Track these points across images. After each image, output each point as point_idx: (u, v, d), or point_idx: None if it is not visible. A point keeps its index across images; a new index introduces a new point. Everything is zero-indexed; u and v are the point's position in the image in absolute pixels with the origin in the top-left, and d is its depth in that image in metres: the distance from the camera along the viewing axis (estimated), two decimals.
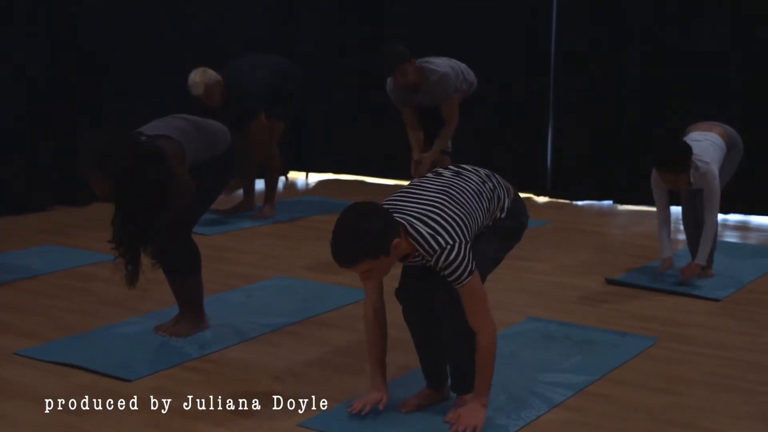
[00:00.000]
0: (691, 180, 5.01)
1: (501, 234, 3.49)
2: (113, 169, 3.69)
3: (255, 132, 6.65)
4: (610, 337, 4.38)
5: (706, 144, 5.11)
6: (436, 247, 3.11)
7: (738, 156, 5.40)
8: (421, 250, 3.14)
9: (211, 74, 6.46)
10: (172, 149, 3.92)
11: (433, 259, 3.14)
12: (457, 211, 3.20)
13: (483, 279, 3.33)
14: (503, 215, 3.45)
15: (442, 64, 6.09)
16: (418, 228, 3.12)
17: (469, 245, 3.16)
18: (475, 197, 3.32)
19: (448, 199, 3.23)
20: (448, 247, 3.11)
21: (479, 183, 3.39)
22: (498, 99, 7.93)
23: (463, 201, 3.26)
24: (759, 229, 7.03)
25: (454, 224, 3.15)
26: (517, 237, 3.60)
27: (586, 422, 3.45)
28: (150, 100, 7.19)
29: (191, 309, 4.32)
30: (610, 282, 5.35)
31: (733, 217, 7.21)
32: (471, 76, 6.36)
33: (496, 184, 3.46)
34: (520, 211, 3.56)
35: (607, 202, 7.83)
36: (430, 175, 3.48)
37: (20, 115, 6.99)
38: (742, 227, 7.06)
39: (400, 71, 5.91)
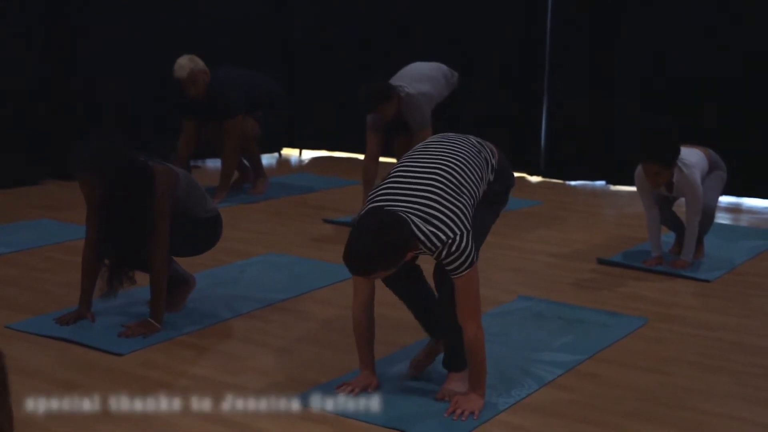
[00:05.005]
0: (674, 180, 5.01)
1: (491, 201, 3.48)
2: (108, 172, 3.79)
3: (229, 131, 6.61)
4: (600, 316, 4.40)
5: (689, 152, 5.11)
6: (438, 243, 3.11)
7: (722, 177, 5.35)
8: (423, 247, 3.14)
9: (199, 62, 6.42)
10: (167, 174, 3.96)
11: (435, 253, 3.15)
12: (454, 200, 3.17)
13: (478, 249, 3.34)
14: (492, 177, 3.44)
15: (420, 92, 5.95)
16: (421, 227, 3.09)
17: (470, 234, 3.15)
18: (466, 170, 3.29)
19: (443, 186, 3.19)
20: (450, 240, 3.10)
21: (467, 150, 3.38)
22: (493, 79, 7.92)
23: (457, 182, 3.23)
24: (751, 211, 7.05)
25: (454, 216, 3.13)
26: (505, 200, 3.60)
27: (575, 401, 3.47)
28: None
29: (179, 287, 4.33)
30: (602, 262, 5.36)
31: (726, 199, 7.22)
32: (454, 78, 6.31)
33: (481, 148, 3.46)
34: (506, 171, 3.55)
35: (600, 183, 7.84)
36: (416, 153, 3.41)
37: (14, 89, 6.97)
38: (735, 209, 7.07)
39: (381, 110, 5.87)
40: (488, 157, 3.44)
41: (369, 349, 3.48)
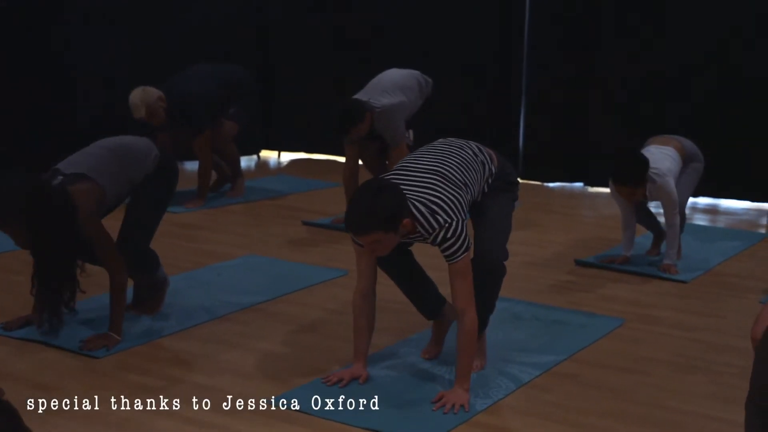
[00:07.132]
0: (647, 193, 5.07)
1: (502, 192, 3.71)
2: (23, 219, 3.56)
3: (197, 147, 6.57)
4: (578, 317, 4.41)
5: (661, 156, 5.15)
6: (436, 225, 3.32)
7: (698, 168, 5.41)
8: (421, 228, 3.33)
9: (151, 92, 6.22)
10: (91, 193, 3.76)
11: (432, 237, 3.34)
12: (452, 191, 3.39)
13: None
14: (492, 180, 3.66)
15: (392, 103, 5.87)
16: (420, 208, 3.32)
17: (464, 223, 3.35)
18: (464, 170, 3.51)
19: (441, 179, 3.42)
20: (446, 225, 3.31)
21: (465, 153, 3.59)
22: (471, 79, 7.93)
23: (455, 178, 3.45)
24: (727, 212, 7.09)
25: (451, 204, 3.35)
26: (513, 192, 3.79)
27: (552, 401, 3.49)
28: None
29: (154, 290, 4.31)
30: (580, 263, 5.39)
31: (703, 200, 7.27)
32: (428, 87, 6.22)
33: (479, 152, 3.65)
34: (507, 171, 3.77)
35: (578, 185, 7.87)
36: (418, 153, 3.63)
37: None
38: (711, 210, 7.12)
39: (354, 131, 5.83)
40: (485, 161, 3.65)
41: (364, 339, 3.59)
